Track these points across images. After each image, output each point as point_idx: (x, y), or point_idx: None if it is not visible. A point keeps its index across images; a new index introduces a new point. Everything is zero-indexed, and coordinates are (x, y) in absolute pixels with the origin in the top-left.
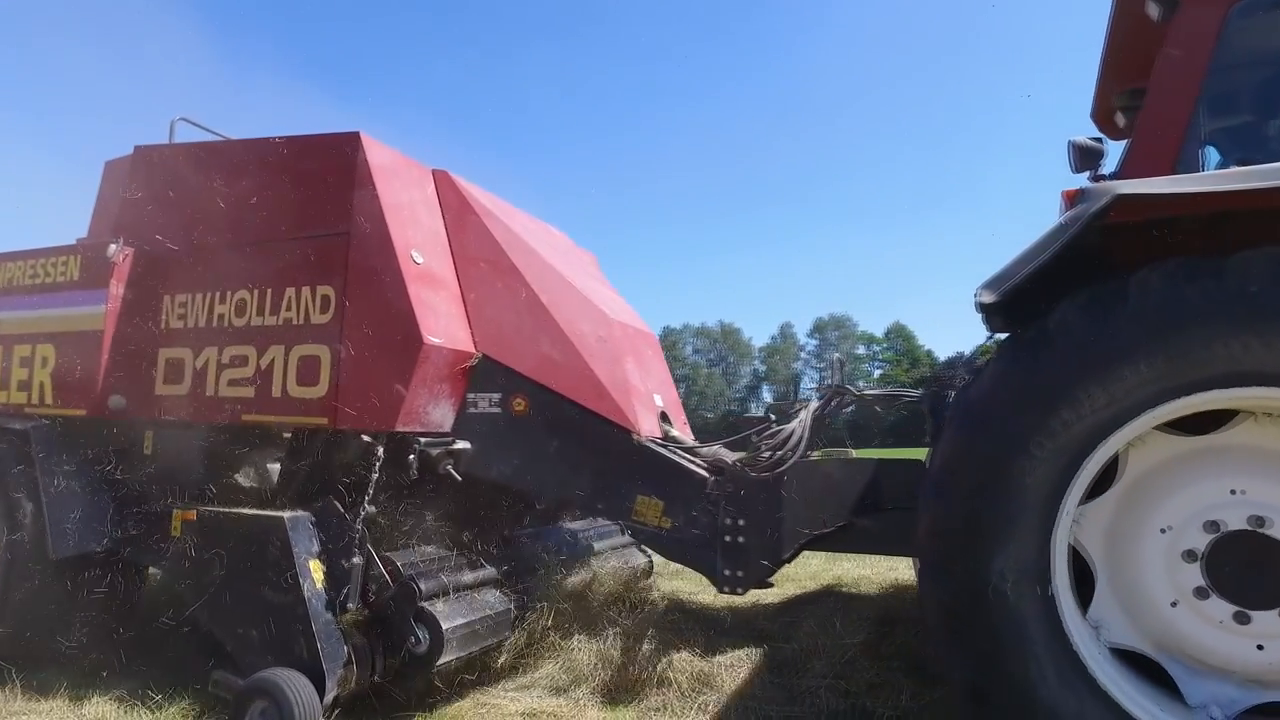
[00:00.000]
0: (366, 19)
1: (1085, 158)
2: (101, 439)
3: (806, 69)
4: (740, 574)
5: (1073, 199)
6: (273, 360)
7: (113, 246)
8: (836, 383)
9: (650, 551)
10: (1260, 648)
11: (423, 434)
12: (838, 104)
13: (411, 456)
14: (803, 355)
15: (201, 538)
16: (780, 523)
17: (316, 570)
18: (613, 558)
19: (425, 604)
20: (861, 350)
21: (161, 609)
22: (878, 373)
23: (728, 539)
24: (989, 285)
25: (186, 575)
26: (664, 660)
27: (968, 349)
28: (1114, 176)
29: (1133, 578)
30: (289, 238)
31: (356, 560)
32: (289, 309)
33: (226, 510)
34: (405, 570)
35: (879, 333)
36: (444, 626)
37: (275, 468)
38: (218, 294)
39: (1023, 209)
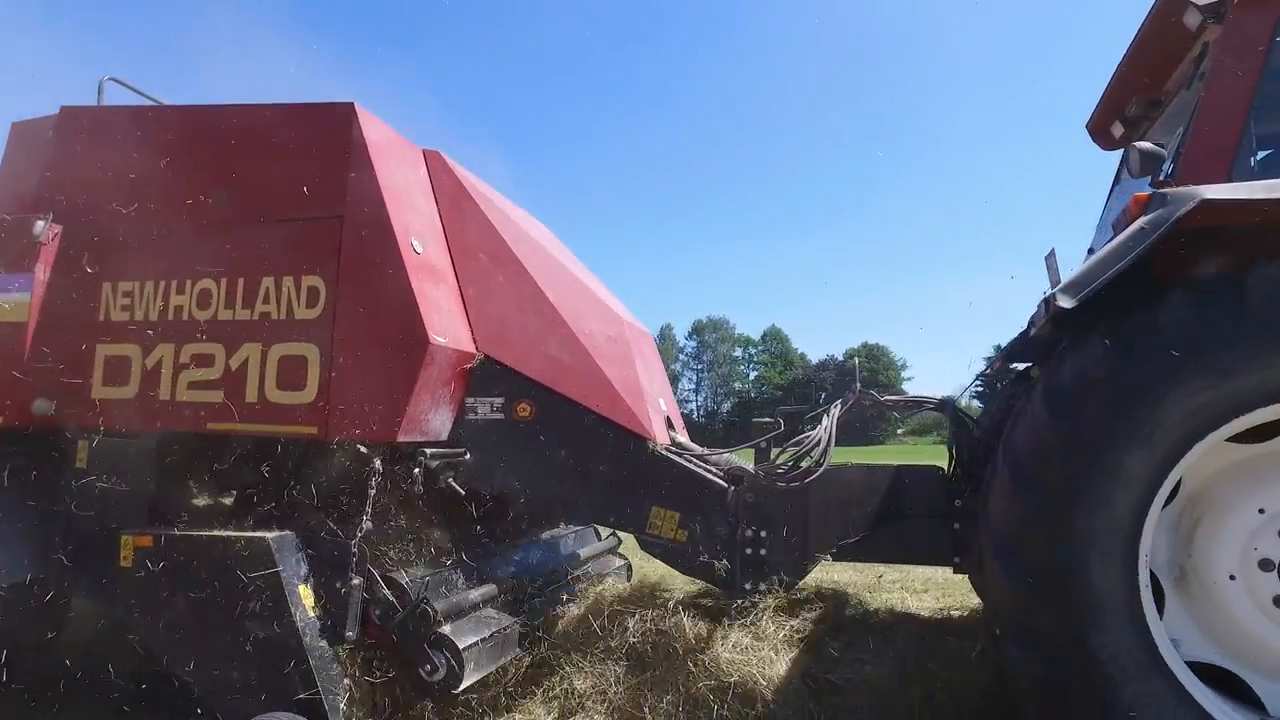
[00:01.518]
0: None
1: (1146, 162)
2: (24, 451)
3: (695, 83)
4: (762, 588)
5: (1143, 204)
6: (246, 360)
7: (40, 223)
8: (860, 386)
9: (627, 555)
10: None
11: (423, 443)
12: (722, 115)
13: (417, 470)
14: (681, 356)
15: (161, 566)
16: (807, 533)
17: (307, 596)
18: (595, 566)
19: (440, 627)
20: (738, 353)
21: (99, 653)
22: (753, 374)
23: (748, 551)
24: (1067, 290)
25: (140, 610)
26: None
27: (838, 353)
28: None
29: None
30: (267, 220)
31: (355, 582)
32: (266, 301)
33: (194, 533)
34: (413, 590)
35: (755, 335)
36: (464, 651)
37: (231, 482)
38: (174, 282)
39: (897, 221)
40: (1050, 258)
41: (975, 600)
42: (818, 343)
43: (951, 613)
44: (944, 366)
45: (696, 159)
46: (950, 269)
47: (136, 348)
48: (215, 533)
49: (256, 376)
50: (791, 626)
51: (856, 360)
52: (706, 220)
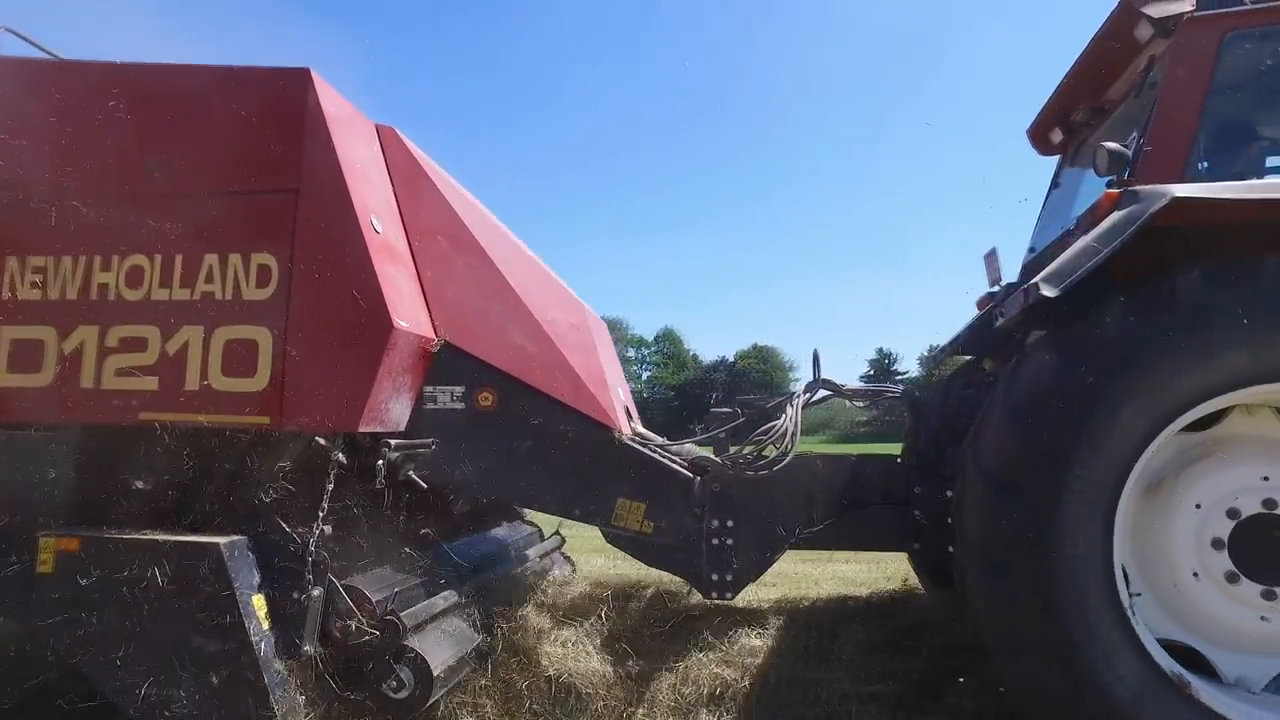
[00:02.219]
0: None
1: (1114, 162)
2: None
3: (588, 81)
4: (729, 578)
5: (1114, 201)
6: (186, 344)
7: None
8: (821, 377)
9: (572, 556)
10: None
11: (382, 434)
12: (615, 113)
13: (380, 463)
14: None
15: (90, 573)
16: (773, 522)
17: (260, 607)
18: (547, 566)
19: (407, 640)
20: (631, 354)
21: (8, 674)
22: (646, 375)
23: (715, 542)
24: (1049, 280)
25: (63, 624)
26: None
27: (729, 354)
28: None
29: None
30: (209, 192)
31: (315, 592)
32: (209, 281)
33: (131, 536)
34: (375, 598)
35: (649, 336)
36: (433, 666)
37: (165, 479)
38: (99, 258)
39: (782, 225)
40: (990, 256)
41: (794, 591)
42: (708, 343)
43: (762, 604)
44: (829, 366)
45: (590, 158)
46: (836, 272)
47: (51, 330)
48: (157, 536)
49: (198, 362)
50: (617, 622)
51: (815, 351)
52: (603, 219)
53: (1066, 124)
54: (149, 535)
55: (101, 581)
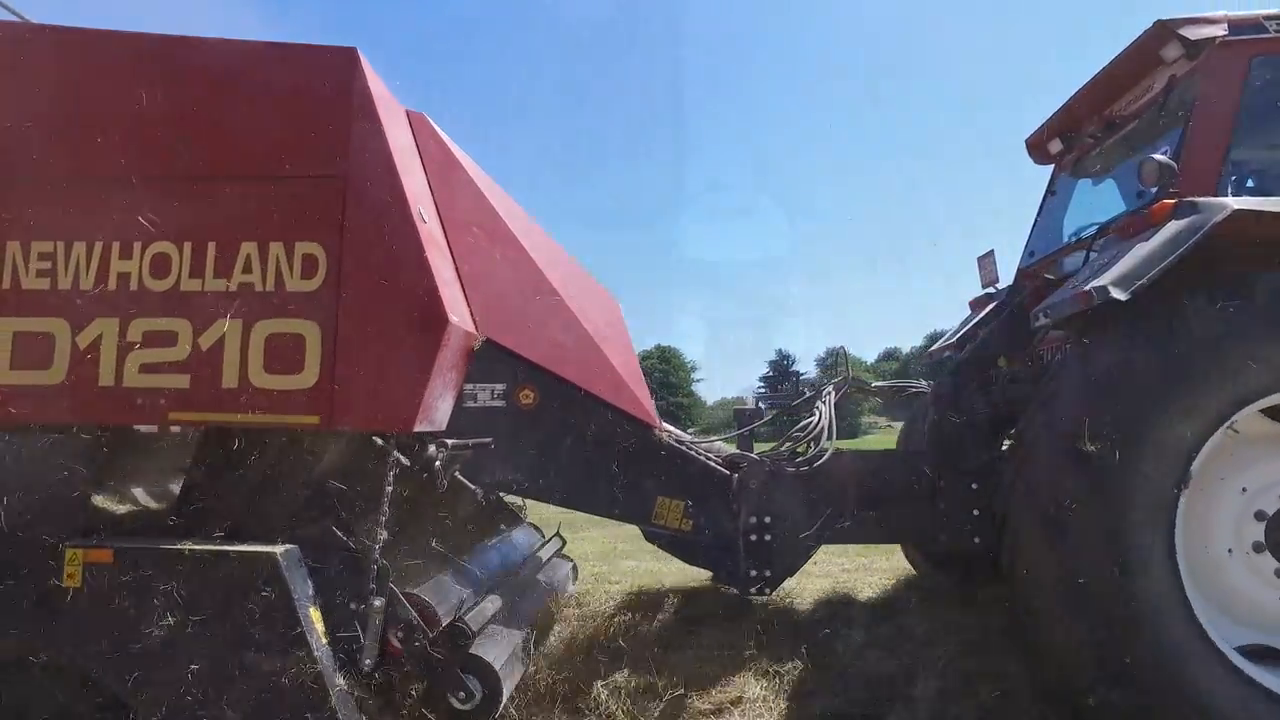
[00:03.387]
0: None
1: (1163, 174)
2: None
3: (496, 72)
4: (767, 574)
5: (1168, 211)
6: (221, 339)
7: None
8: (853, 375)
9: (574, 559)
10: None
11: (430, 434)
12: (524, 107)
13: (438, 464)
14: None
15: (126, 587)
16: (809, 518)
17: (318, 620)
18: (553, 569)
19: (472, 648)
20: None
21: (26, 702)
22: None
23: (753, 538)
24: (1118, 284)
25: (96, 645)
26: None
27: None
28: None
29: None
30: (245, 177)
31: (377, 603)
32: (248, 271)
33: (174, 547)
34: (438, 605)
35: None
36: (500, 673)
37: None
38: (118, 244)
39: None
40: (985, 258)
41: (595, 586)
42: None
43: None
44: (730, 368)
45: (499, 149)
46: (741, 274)
47: (63, 322)
48: (203, 546)
49: (237, 358)
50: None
51: (843, 349)
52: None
53: (1069, 136)
54: (193, 545)
55: (141, 597)
